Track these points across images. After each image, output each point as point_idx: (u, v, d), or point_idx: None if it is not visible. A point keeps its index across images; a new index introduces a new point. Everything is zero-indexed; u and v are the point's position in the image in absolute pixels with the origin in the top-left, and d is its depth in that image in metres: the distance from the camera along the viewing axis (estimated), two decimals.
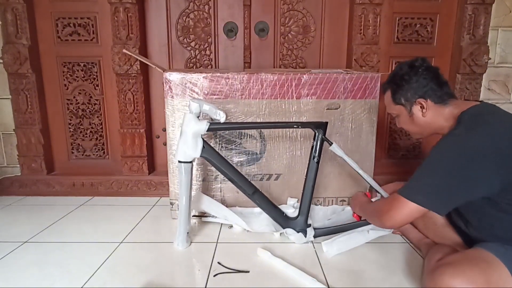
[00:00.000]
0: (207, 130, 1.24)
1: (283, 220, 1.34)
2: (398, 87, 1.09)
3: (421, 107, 1.06)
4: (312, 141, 1.30)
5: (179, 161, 1.25)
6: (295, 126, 1.35)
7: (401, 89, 1.08)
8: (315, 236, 1.32)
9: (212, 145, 1.47)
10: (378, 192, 1.31)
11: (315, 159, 1.30)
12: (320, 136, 1.29)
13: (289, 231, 1.32)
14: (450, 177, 0.89)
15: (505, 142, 0.87)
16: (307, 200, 1.31)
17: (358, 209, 1.25)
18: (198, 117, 1.26)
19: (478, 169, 0.86)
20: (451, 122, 1.01)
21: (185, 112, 1.26)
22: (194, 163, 1.36)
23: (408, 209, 0.93)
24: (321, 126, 1.29)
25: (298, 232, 1.31)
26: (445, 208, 0.94)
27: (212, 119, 1.32)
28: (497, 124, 0.92)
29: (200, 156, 1.27)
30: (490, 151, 0.86)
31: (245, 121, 1.48)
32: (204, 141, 1.27)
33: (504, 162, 0.86)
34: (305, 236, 1.31)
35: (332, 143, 1.27)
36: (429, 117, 1.06)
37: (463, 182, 0.88)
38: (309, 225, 1.33)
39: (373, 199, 1.37)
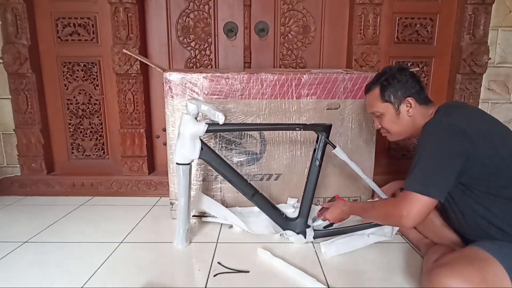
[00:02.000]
0: (206, 132, 1.22)
1: (283, 222, 1.34)
2: (388, 85, 1.12)
3: (408, 106, 1.10)
4: (314, 143, 1.29)
5: (177, 163, 1.23)
6: (297, 129, 1.32)
7: (392, 87, 1.12)
8: (314, 237, 1.32)
9: (212, 145, 1.47)
10: (380, 195, 1.31)
11: (317, 162, 1.28)
12: (323, 139, 1.27)
13: (289, 232, 1.32)
14: (443, 158, 0.93)
15: (474, 127, 0.94)
16: (308, 202, 1.31)
17: (355, 214, 1.21)
18: (196, 118, 1.23)
19: (460, 143, 0.92)
20: (428, 119, 1.07)
21: (182, 113, 1.23)
22: (194, 163, 1.36)
23: (422, 203, 0.93)
24: (324, 129, 1.27)
25: (298, 233, 1.31)
26: (445, 192, 0.97)
27: (211, 120, 1.31)
28: (468, 111, 1.07)
29: (199, 158, 1.25)
30: (466, 129, 0.93)
31: (245, 121, 1.48)
32: (202, 142, 1.25)
33: (475, 146, 0.91)
34: (305, 238, 1.30)
35: (335, 147, 1.26)
36: (412, 116, 1.11)
37: (452, 157, 0.93)
38: (309, 226, 1.32)
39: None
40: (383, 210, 1.04)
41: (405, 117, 1.12)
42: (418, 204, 0.93)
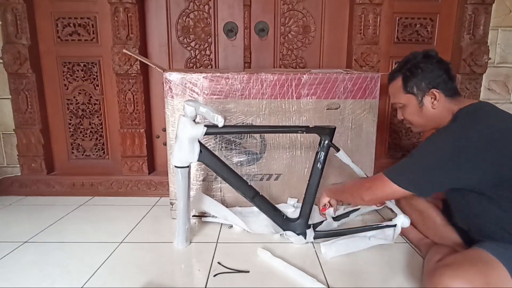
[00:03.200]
0: (205, 134, 1.18)
1: (283, 223, 1.33)
2: (412, 75, 1.05)
3: (432, 98, 1.04)
4: (314, 143, 1.29)
5: (175, 166, 1.21)
6: (299, 131, 1.27)
7: (415, 77, 1.04)
8: (315, 238, 1.31)
9: (212, 145, 1.47)
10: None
11: (319, 165, 1.26)
12: (326, 142, 1.24)
13: (289, 233, 1.31)
14: (437, 165, 0.92)
15: (498, 139, 0.89)
16: (309, 204, 1.30)
17: (333, 194, 1.24)
18: (194, 120, 1.19)
19: (466, 162, 0.89)
20: (450, 118, 1.02)
21: (180, 115, 1.19)
22: (194, 164, 1.36)
23: (390, 189, 0.98)
24: (328, 132, 1.24)
25: (298, 234, 1.31)
26: (427, 192, 0.99)
27: (210, 122, 1.28)
28: (492, 120, 0.93)
29: (198, 161, 1.22)
30: (482, 146, 0.87)
31: (245, 121, 1.48)
32: (201, 145, 1.22)
33: (497, 158, 0.87)
34: (305, 238, 1.30)
35: (339, 150, 1.24)
36: (437, 109, 1.04)
37: (448, 171, 0.91)
38: (309, 227, 1.32)
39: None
40: (353, 183, 1.13)
41: (429, 110, 1.04)
42: (385, 188, 0.98)
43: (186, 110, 1.16)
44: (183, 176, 1.22)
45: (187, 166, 1.23)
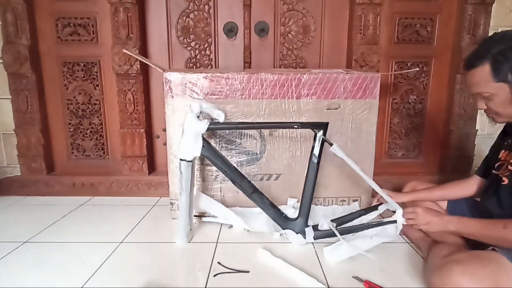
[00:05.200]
0: (207, 130, 1.25)
1: (282, 221, 1.34)
2: (505, 59, 0.89)
3: None
4: (312, 141, 1.30)
5: (181, 159, 1.26)
6: (295, 127, 1.36)
7: (510, 62, 0.89)
8: (315, 238, 1.30)
9: (212, 145, 1.47)
10: (380, 194, 1.29)
11: (315, 160, 1.29)
12: (320, 136, 1.28)
13: (289, 232, 1.32)
14: None
15: None
16: (307, 202, 1.31)
17: (466, 232, 1.03)
18: (198, 116, 1.27)
19: None
20: None
21: (187, 112, 1.26)
22: (195, 163, 1.36)
23: None
24: (321, 127, 1.28)
25: (297, 233, 1.31)
26: None
27: (212, 119, 1.32)
28: None
29: (201, 154, 1.27)
30: None
31: (245, 121, 1.48)
32: (204, 140, 1.28)
33: None
34: (304, 238, 1.30)
35: (332, 144, 1.26)
36: None
37: None
38: (309, 226, 1.32)
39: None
40: (498, 225, 0.91)
41: None
42: None
43: (192, 107, 1.26)
44: (187, 169, 1.27)
45: (191, 160, 1.27)
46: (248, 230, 1.39)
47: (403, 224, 1.22)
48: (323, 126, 1.29)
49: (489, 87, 0.93)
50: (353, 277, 1.09)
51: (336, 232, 1.25)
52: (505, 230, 0.89)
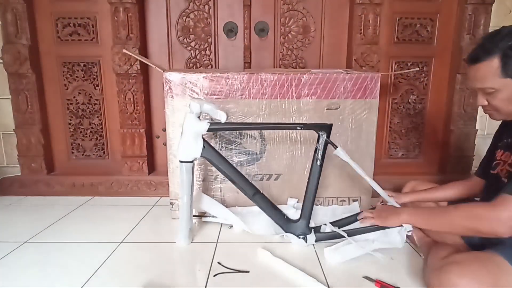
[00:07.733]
0: (208, 130, 1.24)
1: (284, 223, 1.33)
2: None
3: None
4: (314, 143, 1.28)
5: (180, 161, 1.25)
6: (298, 128, 1.32)
7: None
8: (316, 241, 1.29)
9: (212, 145, 1.47)
10: (382, 196, 1.29)
11: (318, 163, 1.27)
12: (324, 139, 1.26)
13: (290, 236, 1.30)
14: None
15: None
16: (309, 204, 1.30)
17: (421, 221, 1.07)
18: (198, 117, 1.25)
19: None
20: None
21: (186, 112, 1.25)
22: (195, 163, 1.36)
23: None
24: (325, 129, 1.26)
25: (299, 236, 1.30)
26: None
27: (212, 119, 1.32)
28: None
29: (201, 156, 1.26)
30: None
31: (245, 121, 1.48)
32: (204, 141, 1.27)
33: None
34: (306, 242, 1.29)
35: (337, 147, 1.24)
36: None
37: None
38: (311, 229, 1.30)
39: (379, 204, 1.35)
40: (472, 212, 0.90)
41: None
42: None
43: (192, 107, 1.24)
44: (187, 171, 1.26)
45: (192, 161, 1.27)
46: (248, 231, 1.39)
47: (408, 231, 1.18)
48: (327, 127, 1.26)
49: (494, 82, 0.91)
50: (363, 277, 1.09)
51: (344, 234, 1.23)
52: (455, 210, 0.93)
